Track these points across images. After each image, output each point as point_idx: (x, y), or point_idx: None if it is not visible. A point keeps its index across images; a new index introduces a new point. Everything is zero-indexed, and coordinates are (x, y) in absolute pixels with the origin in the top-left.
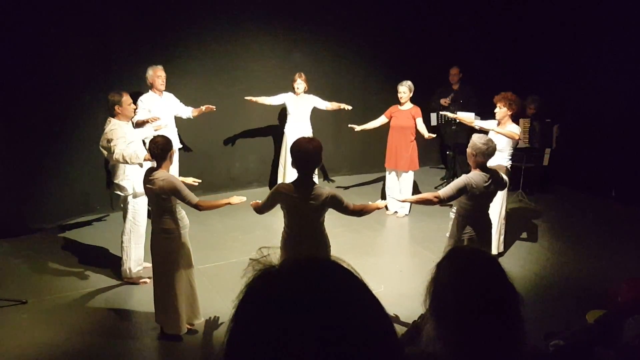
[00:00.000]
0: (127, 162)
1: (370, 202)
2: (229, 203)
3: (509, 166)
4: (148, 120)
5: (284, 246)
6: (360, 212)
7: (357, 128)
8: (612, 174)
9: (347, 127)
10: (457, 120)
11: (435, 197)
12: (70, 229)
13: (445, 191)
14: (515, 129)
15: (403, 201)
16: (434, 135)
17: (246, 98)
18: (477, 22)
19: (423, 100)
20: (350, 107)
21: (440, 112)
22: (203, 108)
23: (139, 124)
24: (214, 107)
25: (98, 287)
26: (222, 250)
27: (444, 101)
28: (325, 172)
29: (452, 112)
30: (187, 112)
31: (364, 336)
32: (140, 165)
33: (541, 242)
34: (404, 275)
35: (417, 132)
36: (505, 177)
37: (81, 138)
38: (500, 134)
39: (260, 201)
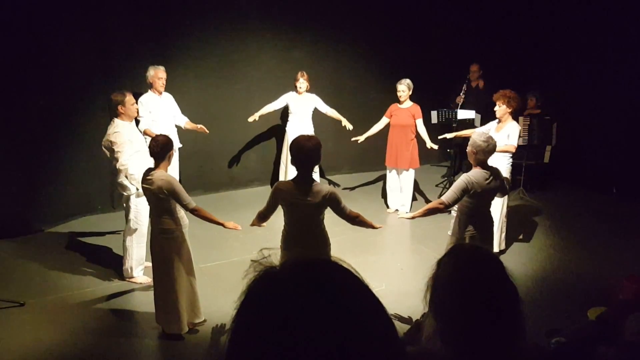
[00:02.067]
0: (125, 177)
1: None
2: (223, 225)
3: (509, 174)
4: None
5: (284, 244)
6: (355, 218)
7: (361, 139)
8: (613, 171)
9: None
10: (457, 118)
11: (440, 204)
12: (72, 229)
13: (448, 196)
14: (515, 128)
15: (412, 218)
16: (436, 147)
17: (249, 120)
18: (480, 20)
19: (426, 99)
20: (351, 127)
21: (439, 137)
22: (198, 126)
23: (147, 134)
24: (208, 131)
25: (100, 287)
26: (223, 249)
27: (458, 98)
28: (322, 171)
29: (456, 122)
30: (182, 121)
31: (365, 336)
32: (137, 188)
33: (542, 240)
34: (405, 273)
35: (417, 129)
36: (506, 184)
37: (82, 138)
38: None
39: (260, 210)
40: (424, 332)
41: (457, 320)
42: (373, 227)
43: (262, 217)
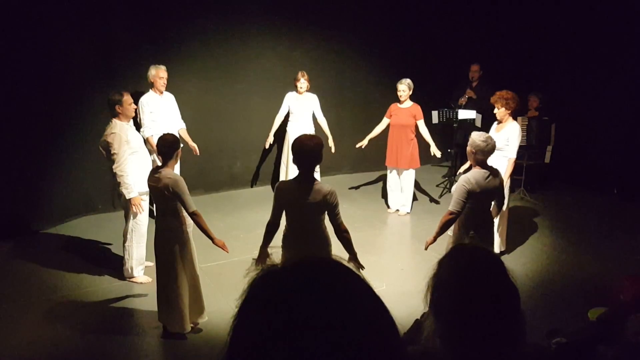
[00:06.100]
0: (120, 181)
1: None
2: (213, 240)
3: (507, 179)
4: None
5: (285, 244)
6: (342, 232)
7: (364, 143)
8: (614, 172)
9: (348, 126)
10: (458, 119)
11: (451, 214)
12: (72, 229)
13: (454, 204)
14: (514, 131)
15: (434, 240)
16: (439, 155)
17: (266, 146)
18: (481, 19)
19: (427, 99)
20: (334, 150)
21: (458, 171)
22: (192, 144)
23: (149, 142)
24: (198, 153)
25: (100, 287)
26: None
27: (461, 100)
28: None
29: (456, 122)
30: (178, 126)
31: (366, 335)
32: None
33: (543, 240)
34: (405, 273)
35: (418, 130)
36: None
37: (82, 137)
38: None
39: (268, 221)
40: (424, 331)
41: (457, 321)
42: (355, 261)
43: (272, 226)
